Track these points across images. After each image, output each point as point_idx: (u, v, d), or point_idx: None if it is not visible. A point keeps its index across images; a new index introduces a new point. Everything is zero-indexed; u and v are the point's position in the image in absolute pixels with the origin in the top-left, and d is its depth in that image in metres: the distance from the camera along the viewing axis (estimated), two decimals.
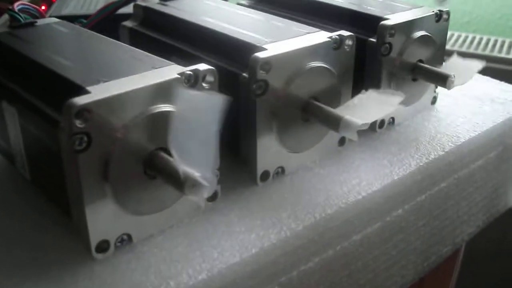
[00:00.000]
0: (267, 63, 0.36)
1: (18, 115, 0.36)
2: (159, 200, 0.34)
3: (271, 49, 0.37)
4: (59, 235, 0.35)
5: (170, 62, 0.35)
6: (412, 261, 0.47)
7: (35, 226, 0.36)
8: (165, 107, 0.32)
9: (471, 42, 1.03)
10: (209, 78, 0.34)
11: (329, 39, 0.39)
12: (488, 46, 1.01)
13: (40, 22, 0.44)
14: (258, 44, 0.38)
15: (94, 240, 0.32)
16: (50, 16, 0.53)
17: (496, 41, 1.03)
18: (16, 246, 0.34)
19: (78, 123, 0.29)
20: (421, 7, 0.49)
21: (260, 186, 0.40)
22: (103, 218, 0.32)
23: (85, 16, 0.54)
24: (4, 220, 0.37)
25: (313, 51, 0.39)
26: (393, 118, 0.48)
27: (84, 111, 0.29)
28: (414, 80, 0.48)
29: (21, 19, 0.43)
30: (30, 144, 0.36)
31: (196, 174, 0.30)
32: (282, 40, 0.39)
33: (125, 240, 0.34)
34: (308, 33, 0.40)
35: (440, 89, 0.51)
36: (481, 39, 1.04)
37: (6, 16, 0.60)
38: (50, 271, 0.32)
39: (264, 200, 0.38)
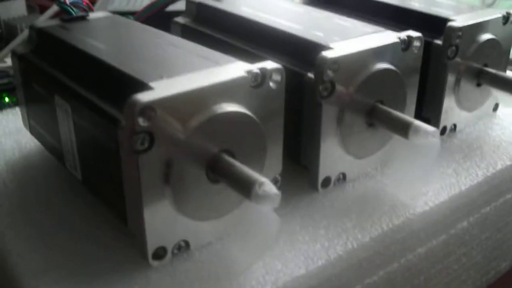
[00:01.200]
0: (335, 63, 0.34)
1: (72, 111, 0.34)
2: (220, 205, 0.32)
3: (338, 48, 0.35)
4: (113, 240, 0.33)
5: (234, 59, 0.33)
6: (472, 276, 0.44)
7: (86, 230, 0.34)
8: (230, 107, 0.30)
9: None
10: (276, 77, 0.32)
11: (397, 40, 0.37)
12: None
13: (91, 15, 0.42)
14: (324, 43, 0.36)
15: (151, 246, 0.30)
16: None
17: None
18: (67, 251, 0.33)
19: (141, 122, 0.27)
20: (486, 9, 0.46)
21: (321, 193, 0.37)
22: (161, 223, 0.30)
23: (132, 13, 0.53)
24: (53, 224, 0.35)
25: (381, 51, 0.37)
26: (455, 125, 0.46)
27: (148, 109, 0.27)
28: (478, 85, 0.45)
29: (73, 12, 0.41)
30: (84, 142, 0.34)
31: (264, 179, 0.28)
32: (349, 39, 0.37)
33: (183, 247, 0.32)
34: (375, 32, 0.38)
35: (501, 96, 0.48)
36: None
37: (49, 12, 0.58)
38: (103, 279, 0.31)
39: (326, 208, 0.36)
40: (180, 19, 0.46)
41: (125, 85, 0.30)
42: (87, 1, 0.46)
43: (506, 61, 0.47)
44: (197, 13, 0.46)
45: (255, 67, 0.31)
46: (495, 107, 0.49)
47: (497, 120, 0.48)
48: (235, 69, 0.31)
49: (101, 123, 0.31)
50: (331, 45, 0.36)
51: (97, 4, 0.61)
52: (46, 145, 0.40)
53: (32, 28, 0.41)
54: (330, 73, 0.34)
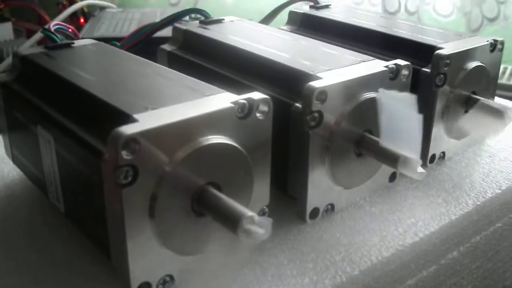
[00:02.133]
0: (323, 93, 0.34)
1: (54, 142, 0.33)
2: (205, 239, 0.31)
3: (326, 78, 0.35)
4: (95, 275, 0.32)
5: (221, 89, 0.32)
6: None
7: (68, 265, 0.33)
8: (216, 139, 0.30)
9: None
10: (263, 107, 0.31)
11: (385, 69, 0.37)
12: None
13: (77, 43, 0.41)
14: (312, 73, 0.36)
15: (135, 282, 0.30)
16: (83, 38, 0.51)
17: None
18: (50, 285, 0.32)
19: (125, 155, 0.27)
20: (473, 35, 0.46)
21: (309, 224, 0.37)
22: (145, 258, 0.29)
23: (118, 39, 0.52)
24: (34, 256, 0.34)
25: (369, 81, 0.36)
26: (443, 153, 0.45)
27: (132, 142, 0.27)
28: (466, 112, 0.45)
29: (57, 39, 0.41)
30: (67, 174, 0.33)
31: (251, 213, 0.28)
32: (337, 68, 0.36)
33: (168, 282, 0.31)
34: (363, 61, 0.38)
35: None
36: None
37: (35, 37, 0.58)
38: None
39: (315, 240, 0.35)
40: (166, 47, 0.46)
41: (109, 116, 0.30)
42: (73, 28, 0.46)
43: (494, 88, 0.47)
44: (183, 41, 0.46)
45: (242, 97, 0.31)
46: None
47: (485, 147, 0.48)
48: (221, 100, 0.31)
49: (84, 155, 0.31)
50: (318, 74, 0.35)
51: (83, 31, 0.60)
52: (29, 176, 0.40)
53: (15, 55, 0.40)
54: (317, 103, 0.34)
